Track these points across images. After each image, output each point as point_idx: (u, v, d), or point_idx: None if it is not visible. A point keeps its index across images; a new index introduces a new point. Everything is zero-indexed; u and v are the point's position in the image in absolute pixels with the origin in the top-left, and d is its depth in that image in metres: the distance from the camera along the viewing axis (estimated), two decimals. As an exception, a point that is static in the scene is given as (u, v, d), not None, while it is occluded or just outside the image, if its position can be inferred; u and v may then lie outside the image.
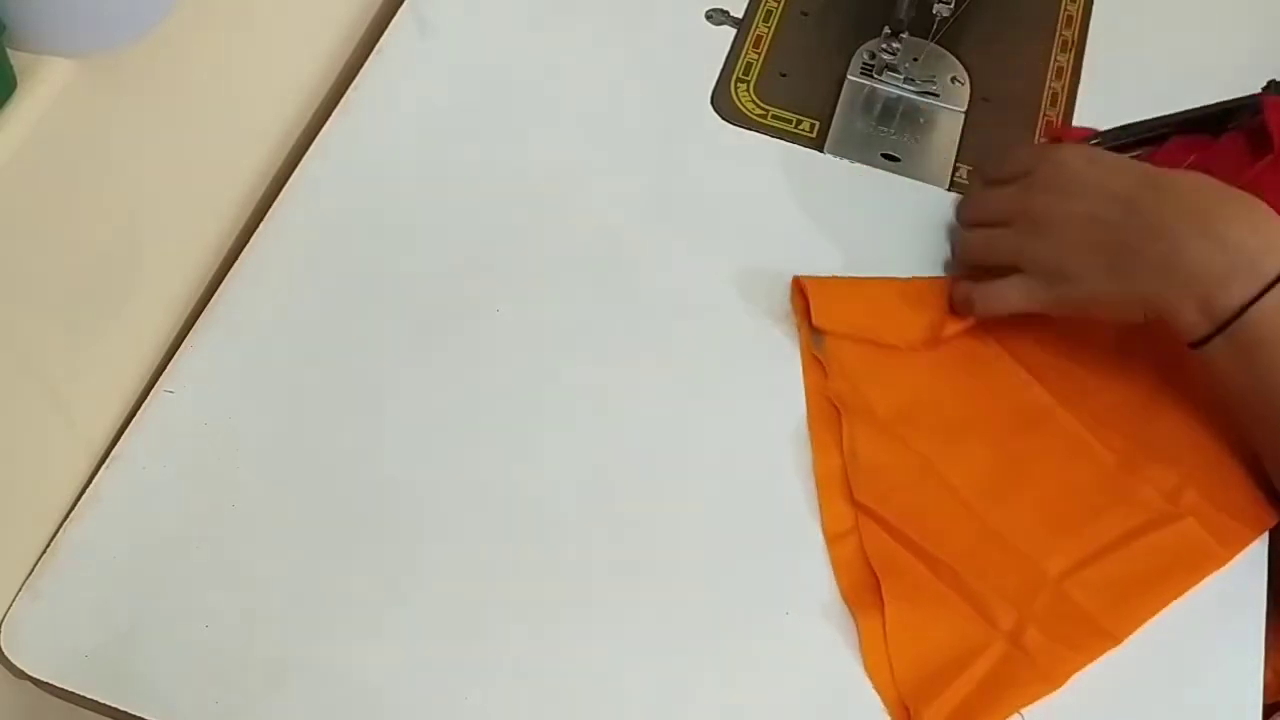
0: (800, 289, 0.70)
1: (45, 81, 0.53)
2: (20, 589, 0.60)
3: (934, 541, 0.62)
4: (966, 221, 0.72)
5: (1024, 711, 0.59)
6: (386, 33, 0.80)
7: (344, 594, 0.60)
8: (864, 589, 0.61)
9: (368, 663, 0.59)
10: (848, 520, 0.63)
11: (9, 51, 0.51)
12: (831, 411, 0.67)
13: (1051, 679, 0.59)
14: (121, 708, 0.57)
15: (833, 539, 0.63)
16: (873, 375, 0.68)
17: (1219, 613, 0.63)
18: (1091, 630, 0.61)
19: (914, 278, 0.71)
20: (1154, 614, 0.61)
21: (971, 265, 0.70)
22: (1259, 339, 0.60)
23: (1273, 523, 0.65)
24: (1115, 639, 0.60)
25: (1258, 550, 0.64)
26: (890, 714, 0.59)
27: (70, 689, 0.57)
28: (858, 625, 0.60)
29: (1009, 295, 0.67)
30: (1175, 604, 0.62)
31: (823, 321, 0.69)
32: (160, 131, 0.63)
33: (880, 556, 0.62)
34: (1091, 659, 0.60)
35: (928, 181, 0.76)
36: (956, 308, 0.69)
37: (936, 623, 0.61)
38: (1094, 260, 0.64)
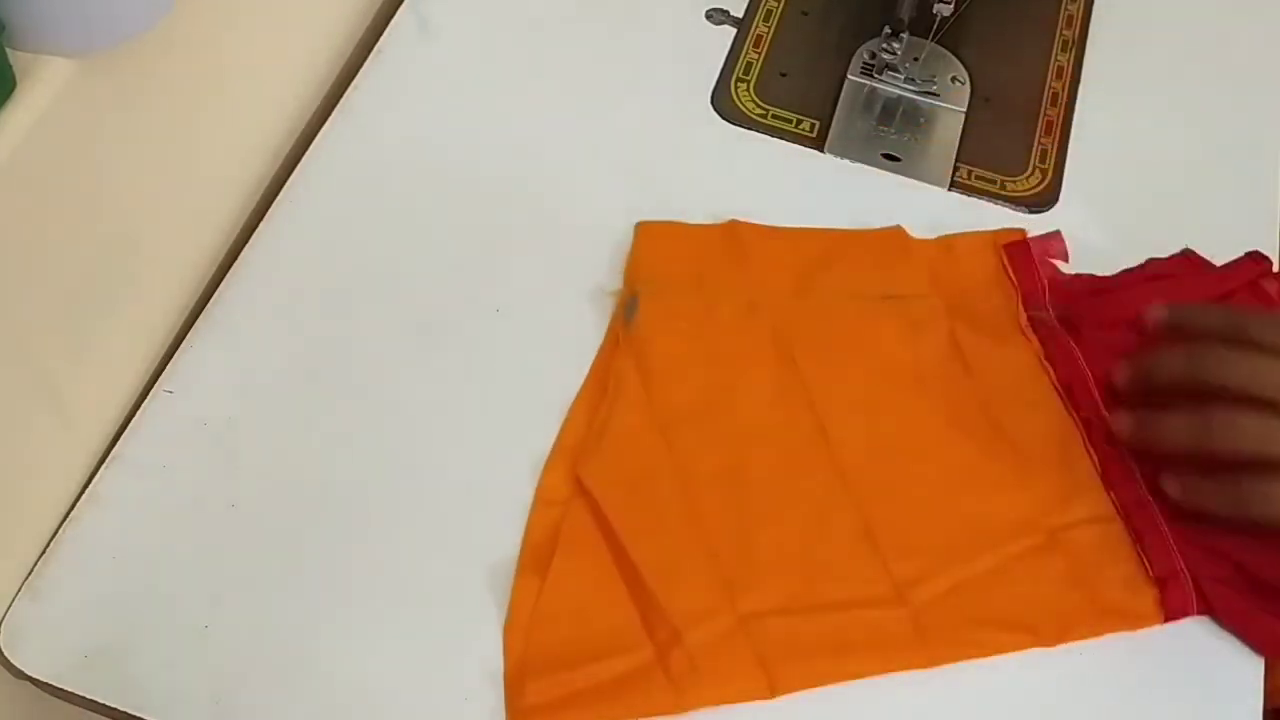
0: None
1: (45, 81, 0.53)
2: (20, 589, 0.60)
3: (634, 539, 0.60)
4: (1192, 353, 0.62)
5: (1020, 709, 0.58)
6: (386, 33, 0.80)
7: (344, 594, 0.60)
8: (541, 556, 0.60)
9: (367, 662, 0.58)
10: (562, 493, 0.62)
11: (9, 51, 0.51)
12: (604, 390, 0.65)
13: (681, 703, 0.56)
14: (121, 708, 0.57)
15: (541, 504, 0.62)
16: (669, 369, 0.65)
17: (1219, 613, 0.62)
18: (749, 671, 0.58)
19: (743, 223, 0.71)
20: (819, 684, 0.58)
21: (1152, 387, 0.63)
22: None
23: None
24: (769, 691, 0.57)
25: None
26: (505, 676, 0.57)
27: (70, 689, 0.57)
28: (515, 583, 0.59)
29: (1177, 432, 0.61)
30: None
31: (641, 268, 0.69)
32: (160, 131, 0.63)
33: (572, 533, 0.60)
34: (735, 699, 0.57)
35: (928, 181, 0.76)
36: (1119, 434, 0.64)
37: (594, 610, 0.59)
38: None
